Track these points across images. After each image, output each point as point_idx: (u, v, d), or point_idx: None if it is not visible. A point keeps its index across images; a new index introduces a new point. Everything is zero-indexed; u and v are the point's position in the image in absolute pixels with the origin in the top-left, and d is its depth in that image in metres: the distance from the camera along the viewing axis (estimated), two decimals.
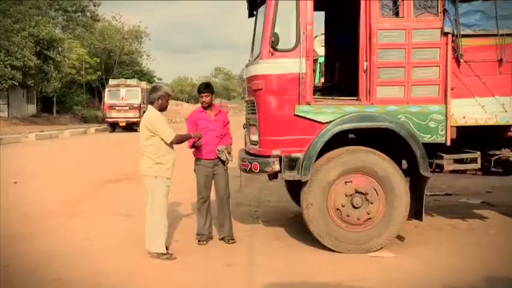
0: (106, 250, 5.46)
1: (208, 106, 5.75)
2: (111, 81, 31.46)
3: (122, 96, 28.96)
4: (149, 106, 5.27)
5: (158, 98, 5.17)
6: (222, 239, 5.77)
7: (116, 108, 28.75)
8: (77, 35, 42.08)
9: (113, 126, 29.39)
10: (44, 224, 6.60)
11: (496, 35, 5.23)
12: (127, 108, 28.67)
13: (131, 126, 29.10)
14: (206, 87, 5.75)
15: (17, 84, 29.74)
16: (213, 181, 5.76)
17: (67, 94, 41.68)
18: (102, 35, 45.84)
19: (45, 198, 8.39)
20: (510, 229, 6.21)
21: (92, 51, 43.73)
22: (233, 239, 5.73)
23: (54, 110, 38.27)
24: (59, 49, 34.06)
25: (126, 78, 35.02)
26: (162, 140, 5.10)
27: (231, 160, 5.73)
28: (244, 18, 6.32)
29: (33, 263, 5.03)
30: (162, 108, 5.24)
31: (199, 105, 5.96)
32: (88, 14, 43.93)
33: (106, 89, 30.65)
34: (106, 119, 29.72)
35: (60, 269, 4.84)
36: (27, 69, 29.91)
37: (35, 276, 4.63)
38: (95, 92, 46.57)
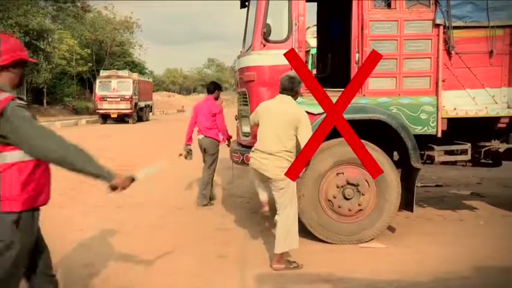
0: (99, 241, 5.45)
1: None
2: (102, 73, 31.20)
3: (113, 87, 28.77)
4: (290, 99, 4.50)
5: (299, 89, 4.57)
6: None
7: (108, 99, 28.58)
8: (68, 25, 41.52)
9: (105, 118, 29.24)
10: None
11: (487, 27, 5.25)
12: (119, 99, 28.51)
13: (123, 118, 29.00)
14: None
15: None
16: None
17: (57, 85, 41.24)
18: (93, 26, 45.35)
19: None
20: (499, 220, 6.27)
21: (83, 42, 43.20)
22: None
23: (45, 101, 37.86)
24: (49, 40, 33.62)
25: (117, 69, 34.68)
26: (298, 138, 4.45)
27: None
28: (236, 9, 6.29)
29: None
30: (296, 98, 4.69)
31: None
32: (78, 4, 43.40)
33: (97, 80, 30.39)
34: (97, 111, 29.52)
35: (53, 259, 4.80)
36: None
37: None
38: (86, 83, 46.12)
